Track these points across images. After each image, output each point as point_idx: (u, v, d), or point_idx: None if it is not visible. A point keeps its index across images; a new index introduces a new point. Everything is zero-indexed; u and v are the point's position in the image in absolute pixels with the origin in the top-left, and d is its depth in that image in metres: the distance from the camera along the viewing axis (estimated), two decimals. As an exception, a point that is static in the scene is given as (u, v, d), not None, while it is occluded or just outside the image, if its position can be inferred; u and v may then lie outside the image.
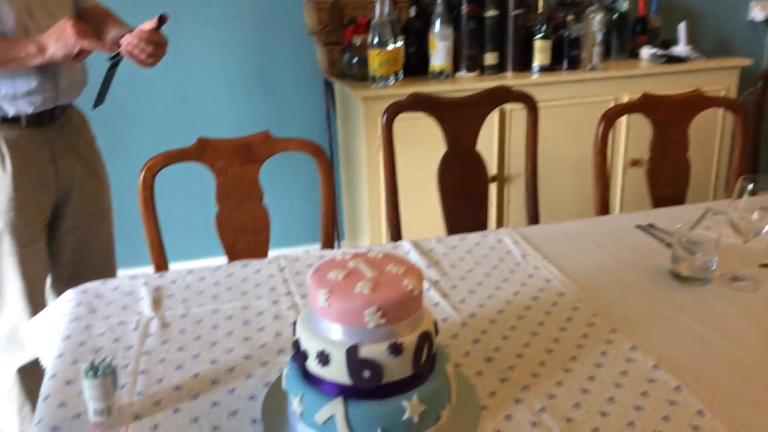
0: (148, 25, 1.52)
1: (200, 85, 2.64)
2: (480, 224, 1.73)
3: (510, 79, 2.49)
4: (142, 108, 2.61)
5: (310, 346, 0.84)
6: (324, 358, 0.83)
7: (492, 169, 2.45)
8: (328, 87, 2.76)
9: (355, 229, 2.72)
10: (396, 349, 0.82)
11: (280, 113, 2.77)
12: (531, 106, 1.72)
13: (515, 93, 1.70)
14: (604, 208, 1.76)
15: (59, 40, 1.43)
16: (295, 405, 0.87)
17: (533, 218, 1.80)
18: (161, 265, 1.53)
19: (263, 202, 1.60)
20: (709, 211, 1.56)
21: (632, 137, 2.60)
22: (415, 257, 1.41)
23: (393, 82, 2.32)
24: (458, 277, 1.34)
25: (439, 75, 2.41)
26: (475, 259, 1.41)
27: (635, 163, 2.63)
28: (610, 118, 1.72)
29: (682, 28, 2.79)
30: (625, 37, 2.74)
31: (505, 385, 1.00)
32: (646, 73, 2.60)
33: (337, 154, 2.82)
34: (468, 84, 2.43)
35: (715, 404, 0.94)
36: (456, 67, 2.46)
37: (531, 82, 2.48)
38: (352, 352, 0.81)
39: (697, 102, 1.76)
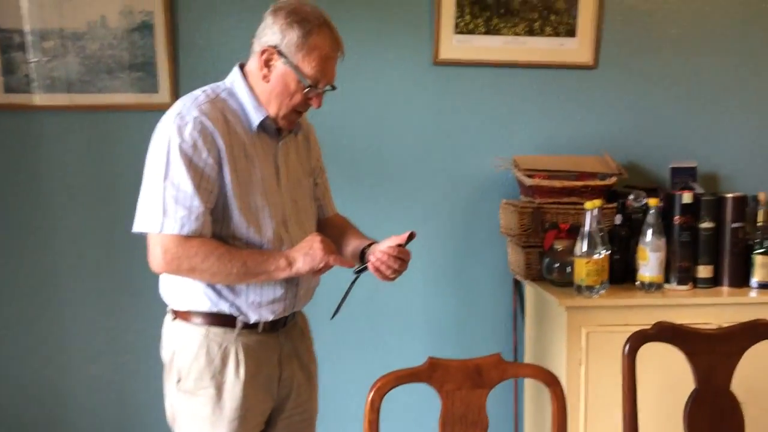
0: (396, 240, 1.53)
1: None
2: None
3: (726, 295, 2.29)
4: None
5: None
6: None
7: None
8: (517, 287, 2.68)
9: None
10: None
11: (467, 310, 2.71)
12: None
13: (777, 329, 1.52)
14: None
15: (307, 255, 1.46)
16: None
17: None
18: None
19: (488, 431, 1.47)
20: None
21: None
22: None
23: (600, 292, 2.19)
24: None
25: (649, 287, 2.26)
26: None
27: None
28: None
29: None
30: None
31: None
32: None
33: (521, 358, 2.67)
34: (680, 298, 2.25)
35: None
36: (666, 278, 2.30)
37: (749, 300, 2.26)
38: None
39: None
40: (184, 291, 1.53)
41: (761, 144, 2.72)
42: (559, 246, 2.34)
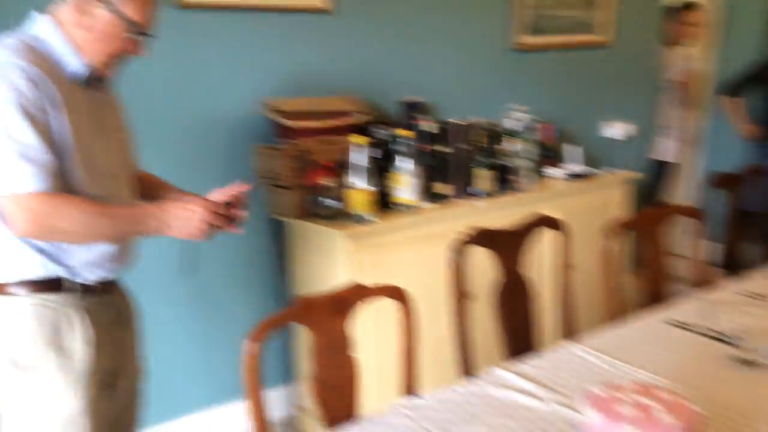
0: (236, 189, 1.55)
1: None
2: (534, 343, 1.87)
3: (461, 206, 2.72)
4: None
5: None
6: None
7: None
8: (277, 228, 2.76)
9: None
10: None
11: (230, 256, 2.72)
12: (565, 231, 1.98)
13: (554, 221, 1.94)
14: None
15: (187, 226, 1.40)
16: None
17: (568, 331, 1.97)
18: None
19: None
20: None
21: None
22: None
23: (375, 218, 2.42)
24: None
25: (407, 208, 2.56)
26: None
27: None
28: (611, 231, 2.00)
29: (577, 151, 3.27)
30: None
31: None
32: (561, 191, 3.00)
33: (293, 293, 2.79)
34: (432, 213, 2.61)
35: None
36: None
37: (480, 208, 2.73)
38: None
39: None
40: (12, 259, 1.36)
41: (461, 78, 3.21)
42: (326, 182, 2.49)
